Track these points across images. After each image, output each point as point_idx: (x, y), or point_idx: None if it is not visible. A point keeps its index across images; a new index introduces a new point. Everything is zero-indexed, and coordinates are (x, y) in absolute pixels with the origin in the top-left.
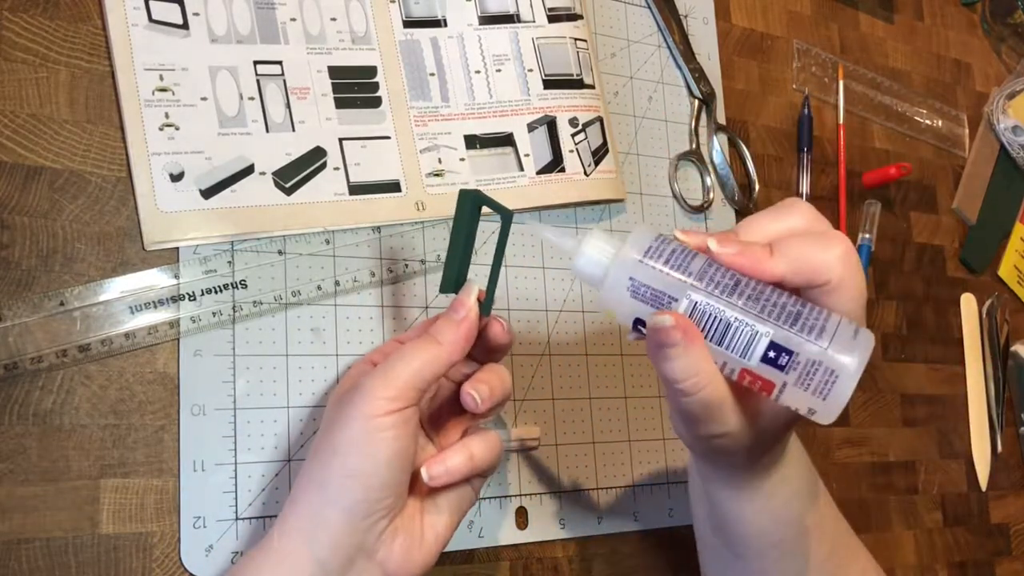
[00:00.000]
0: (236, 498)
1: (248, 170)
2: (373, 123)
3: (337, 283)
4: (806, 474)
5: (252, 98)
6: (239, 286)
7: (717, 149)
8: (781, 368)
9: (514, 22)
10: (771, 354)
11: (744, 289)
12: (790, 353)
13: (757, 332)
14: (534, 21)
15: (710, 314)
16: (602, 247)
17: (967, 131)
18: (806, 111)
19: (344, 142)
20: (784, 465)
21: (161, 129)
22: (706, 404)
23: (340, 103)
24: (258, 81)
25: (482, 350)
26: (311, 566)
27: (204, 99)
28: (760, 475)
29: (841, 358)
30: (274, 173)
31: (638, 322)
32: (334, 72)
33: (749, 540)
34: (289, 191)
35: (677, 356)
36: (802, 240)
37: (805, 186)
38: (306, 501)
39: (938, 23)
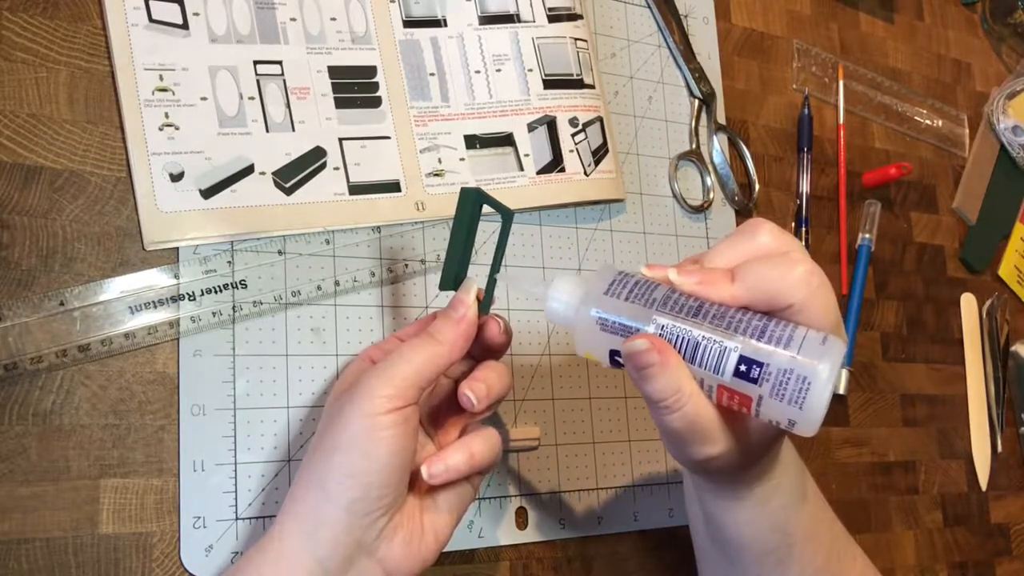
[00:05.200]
0: (236, 498)
1: (248, 170)
2: (373, 123)
3: (337, 283)
4: (799, 479)
5: (252, 98)
6: (239, 286)
7: (717, 149)
8: (754, 381)
9: (514, 22)
10: (742, 367)
11: (709, 309)
12: (761, 365)
13: (726, 347)
14: (534, 21)
15: (678, 335)
16: (569, 290)
17: (967, 131)
18: (806, 111)
19: (344, 142)
20: (777, 472)
21: (161, 129)
22: (692, 420)
23: (340, 103)
24: (258, 81)
25: (480, 349)
26: (311, 564)
27: (204, 99)
28: (753, 484)
29: (812, 364)
30: (274, 173)
31: (614, 353)
32: (334, 72)
33: (745, 547)
34: (289, 191)
35: (656, 375)
36: (761, 264)
37: (805, 186)
38: (305, 499)
39: (938, 23)
